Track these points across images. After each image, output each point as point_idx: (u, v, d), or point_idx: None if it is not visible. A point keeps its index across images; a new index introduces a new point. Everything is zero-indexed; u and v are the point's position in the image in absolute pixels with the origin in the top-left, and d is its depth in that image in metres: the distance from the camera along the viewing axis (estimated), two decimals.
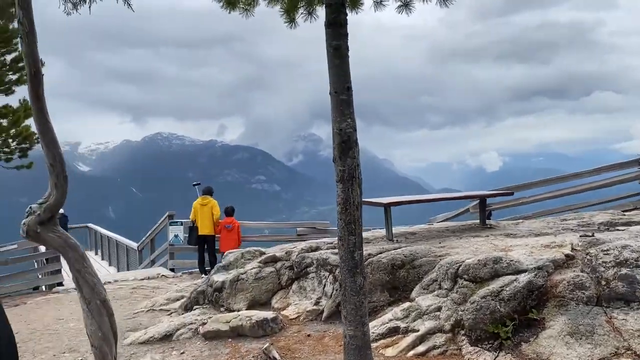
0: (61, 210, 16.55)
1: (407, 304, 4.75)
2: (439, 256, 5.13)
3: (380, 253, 5.43)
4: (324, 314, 5.34)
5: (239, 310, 5.61)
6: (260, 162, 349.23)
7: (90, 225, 23.04)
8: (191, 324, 5.52)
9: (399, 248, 5.52)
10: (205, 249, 11.00)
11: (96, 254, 21.69)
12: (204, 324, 5.39)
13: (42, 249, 10.40)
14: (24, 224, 3.17)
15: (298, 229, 11.15)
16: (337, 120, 3.53)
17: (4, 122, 8.63)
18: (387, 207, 6.25)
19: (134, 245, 14.78)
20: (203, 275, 10.77)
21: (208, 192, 11.03)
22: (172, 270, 11.50)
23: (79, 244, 3.33)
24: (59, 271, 10.38)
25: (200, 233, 10.81)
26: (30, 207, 3.23)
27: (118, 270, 17.10)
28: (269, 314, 5.26)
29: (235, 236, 11.04)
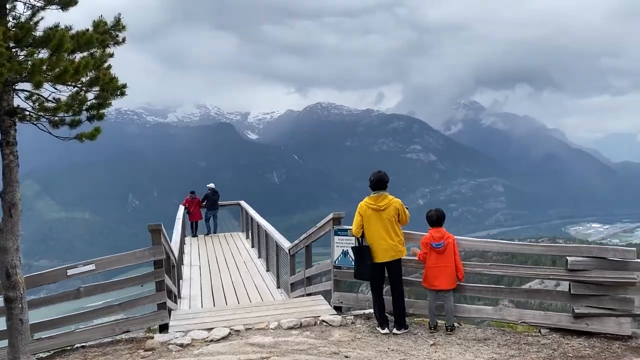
0: (211, 185, 13.05)
1: None
2: None
3: None
4: None
5: None
6: (416, 131, 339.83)
7: (242, 203, 20.05)
8: None
9: None
10: (385, 283, 6.39)
11: (247, 237, 18.63)
12: None
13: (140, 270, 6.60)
14: None
15: (570, 258, 5.86)
16: None
17: (52, 58, 4.65)
18: None
19: (285, 245, 10.75)
20: (382, 330, 6.16)
21: (381, 182, 6.20)
22: (337, 309, 7.03)
23: None
24: (163, 305, 6.47)
25: (378, 260, 6.17)
26: None
27: (267, 268, 13.46)
28: None
29: (451, 262, 6.18)
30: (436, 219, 6.35)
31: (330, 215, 7.13)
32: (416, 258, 6.56)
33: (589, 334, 5.85)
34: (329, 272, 7.49)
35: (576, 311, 5.88)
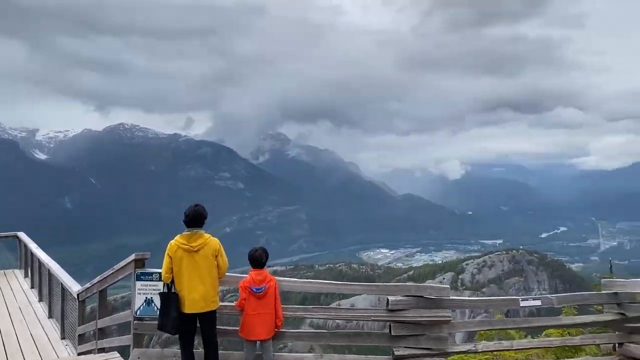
0: None
1: None
2: None
3: None
4: None
5: None
6: (225, 159, 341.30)
7: (21, 235, 16.92)
8: None
9: None
10: (194, 336, 5.54)
11: (25, 276, 15.68)
12: None
13: None
14: None
15: (390, 297, 5.73)
16: None
17: None
18: None
19: (73, 288, 9.01)
20: None
21: (198, 218, 5.41)
22: None
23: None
24: None
25: (187, 310, 5.30)
26: None
27: (49, 314, 11.30)
28: None
29: (271, 308, 5.55)
30: (265, 260, 5.70)
31: (132, 256, 5.99)
32: (232, 304, 5.84)
33: None
34: (128, 324, 6.28)
35: (396, 353, 5.75)
